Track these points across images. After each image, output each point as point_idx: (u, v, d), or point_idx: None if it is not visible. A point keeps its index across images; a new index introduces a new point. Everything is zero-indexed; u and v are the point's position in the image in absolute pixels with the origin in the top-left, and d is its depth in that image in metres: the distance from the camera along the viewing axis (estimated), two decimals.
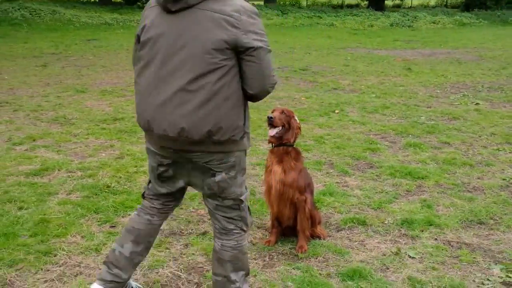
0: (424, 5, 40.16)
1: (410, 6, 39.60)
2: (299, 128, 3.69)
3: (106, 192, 4.48)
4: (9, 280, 3.12)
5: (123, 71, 11.05)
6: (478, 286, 3.29)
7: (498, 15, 30.07)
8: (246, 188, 2.74)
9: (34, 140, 5.95)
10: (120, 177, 4.84)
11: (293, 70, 11.77)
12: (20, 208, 4.08)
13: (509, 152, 6.06)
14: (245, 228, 2.73)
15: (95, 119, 7.05)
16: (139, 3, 29.08)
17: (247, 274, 2.77)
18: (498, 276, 3.41)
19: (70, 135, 6.26)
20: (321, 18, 27.90)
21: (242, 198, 2.68)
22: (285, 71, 11.61)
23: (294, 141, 3.69)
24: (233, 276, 2.68)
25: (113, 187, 4.59)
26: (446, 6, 37.62)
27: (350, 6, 37.08)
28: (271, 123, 3.57)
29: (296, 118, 3.68)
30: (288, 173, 3.62)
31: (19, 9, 21.40)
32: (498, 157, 5.86)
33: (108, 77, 10.36)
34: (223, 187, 2.59)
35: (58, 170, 4.99)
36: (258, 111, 7.68)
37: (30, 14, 21.24)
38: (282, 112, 3.64)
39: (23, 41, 15.42)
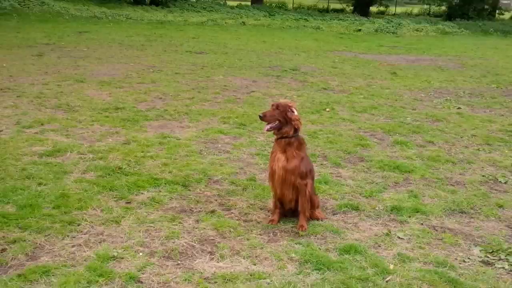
0: (408, 13, 41.04)
1: (394, 13, 40.42)
2: (298, 120, 4.03)
3: (118, 173, 4.79)
4: (39, 244, 3.42)
5: (118, 63, 11.30)
6: (460, 263, 3.68)
7: (480, 25, 30.92)
8: None
9: (42, 124, 6.22)
10: (130, 160, 5.15)
11: (283, 70, 12.14)
12: (40, 184, 4.37)
13: (488, 152, 6.49)
14: None
15: (97, 107, 7.33)
16: None
17: None
18: (478, 256, 3.81)
19: (76, 121, 6.53)
20: (307, 21, 28.40)
21: None
22: (276, 71, 11.97)
23: (296, 132, 4.03)
24: None
25: (124, 168, 4.90)
26: (429, 14, 38.51)
27: (335, 11, 37.74)
28: (262, 119, 3.97)
29: (294, 110, 4.02)
30: (291, 161, 3.98)
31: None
32: (478, 156, 6.29)
33: (105, 68, 10.61)
34: None
35: (70, 152, 5.28)
36: (253, 107, 8.03)
37: (19, 4, 21.29)
38: (277, 107, 3.99)
39: (15, 31, 15.54)
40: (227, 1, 38.17)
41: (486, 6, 37.51)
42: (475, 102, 9.69)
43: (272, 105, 4.05)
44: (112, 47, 13.97)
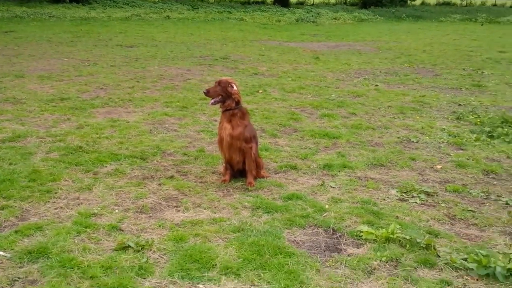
0: (326, 3, 42.75)
1: (313, 4, 41.96)
2: (237, 93, 4.67)
3: (79, 152, 5.27)
4: (25, 209, 3.90)
5: (52, 59, 11.46)
6: (380, 201, 4.51)
7: (393, 12, 32.98)
8: None
9: None
10: (88, 141, 5.62)
11: (214, 59, 12.76)
12: (10, 164, 4.78)
13: (402, 119, 7.47)
14: None
15: (42, 99, 7.63)
16: None
17: None
18: (395, 195, 4.66)
19: (26, 111, 6.86)
20: (230, 13, 29.10)
21: None
22: (207, 60, 12.57)
23: (238, 104, 4.67)
24: None
25: (84, 148, 5.38)
26: (345, 4, 40.37)
27: (257, 3, 38.68)
28: (207, 95, 4.64)
29: (234, 86, 4.65)
30: (236, 129, 4.65)
31: None
32: (394, 123, 7.24)
33: (40, 64, 10.77)
34: None
35: (30, 136, 5.67)
36: (192, 92, 8.63)
37: None
38: (219, 84, 4.66)
39: None
40: None
41: None
42: (391, 79, 10.77)
43: (215, 82, 4.70)
44: (41, 44, 13.98)
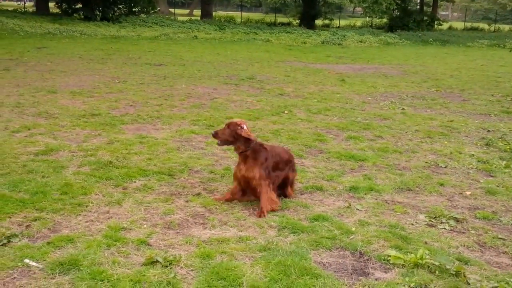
0: (351, 25, 42.94)
1: (338, 26, 42.20)
2: (248, 135, 4.52)
3: (109, 166, 5.37)
4: (57, 221, 3.98)
5: (84, 76, 11.74)
6: (409, 226, 4.47)
7: (419, 36, 32.89)
8: None
9: (29, 129, 6.70)
10: (118, 156, 5.73)
11: (240, 79, 12.89)
12: (43, 177, 4.90)
13: (430, 144, 7.41)
14: None
15: (74, 114, 7.82)
16: (76, 15, 29.52)
17: None
18: (423, 220, 4.61)
19: (58, 126, 7.03)
20: (257, 34, 29.43)
21: None
22: (234, 79, 12.71)
23: (249, 143, 4.53)
24: None
25: (114, 163, 5.48)
26: (371, 26, 40.46)
27: (283, 24, 39.09)
28: (214, 137, 4.56)
29: (244, 126, 4.54)
30: (249, 170, 4.55)
31: None
32: (421, 147, 7.19)
33: (72, 80, 11.04)
34: None
35: (62, 150, 5.81)
36: (218, 111, 8.73)
37: None
38: (228, 126, 4.54)
39: None
40: (177, 16, 38.79)
41: (425, 18, 39.86)
42: (417, 103, 10.72)
43: (225, 124, 4.63)
44: (73, 60, 14.34)
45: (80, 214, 4.14)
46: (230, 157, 6.17)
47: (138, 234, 3.88)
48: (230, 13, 48.07)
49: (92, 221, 4.04)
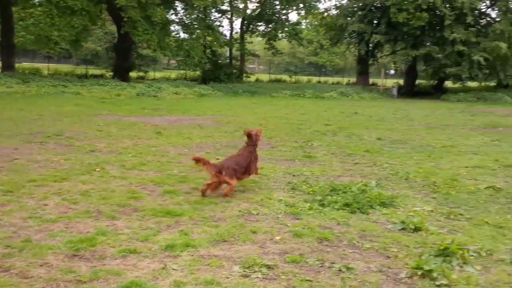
0: (167, 78, 43.66)
1: (154, 78, 42.58)
2: None
3: None
4: None
5: None
6: (224, 279, 4.43)
7: (230, 87, 34.71)
8: None
9: None
10: None
11: (47, 136, 12.00)
12: None
13: (243, 192, 7.62)
14: None
15: None
16: None
17: None
18: (238, 272, 4.63)
19: None
20: (66, 86, 28.01)
21: None
22: (38, 137, 11.78)
23: None
24: None
25: None
26: (185, 79, 41.57)
27: (95, 76, 38.08)
28: None
29: None
30: None
31: None
32: (234, 196, 7.34)
33: None
34: None
35: None
36: (19, 174, 7.91)
37: None
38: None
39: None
40: None
41: (234, 70, 42.45)
42: (231, 152, 11.06)
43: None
44: None
45: None
46: (31, 226, 5.56)
47: None
48: (36, 65, 45.33)
49: None
